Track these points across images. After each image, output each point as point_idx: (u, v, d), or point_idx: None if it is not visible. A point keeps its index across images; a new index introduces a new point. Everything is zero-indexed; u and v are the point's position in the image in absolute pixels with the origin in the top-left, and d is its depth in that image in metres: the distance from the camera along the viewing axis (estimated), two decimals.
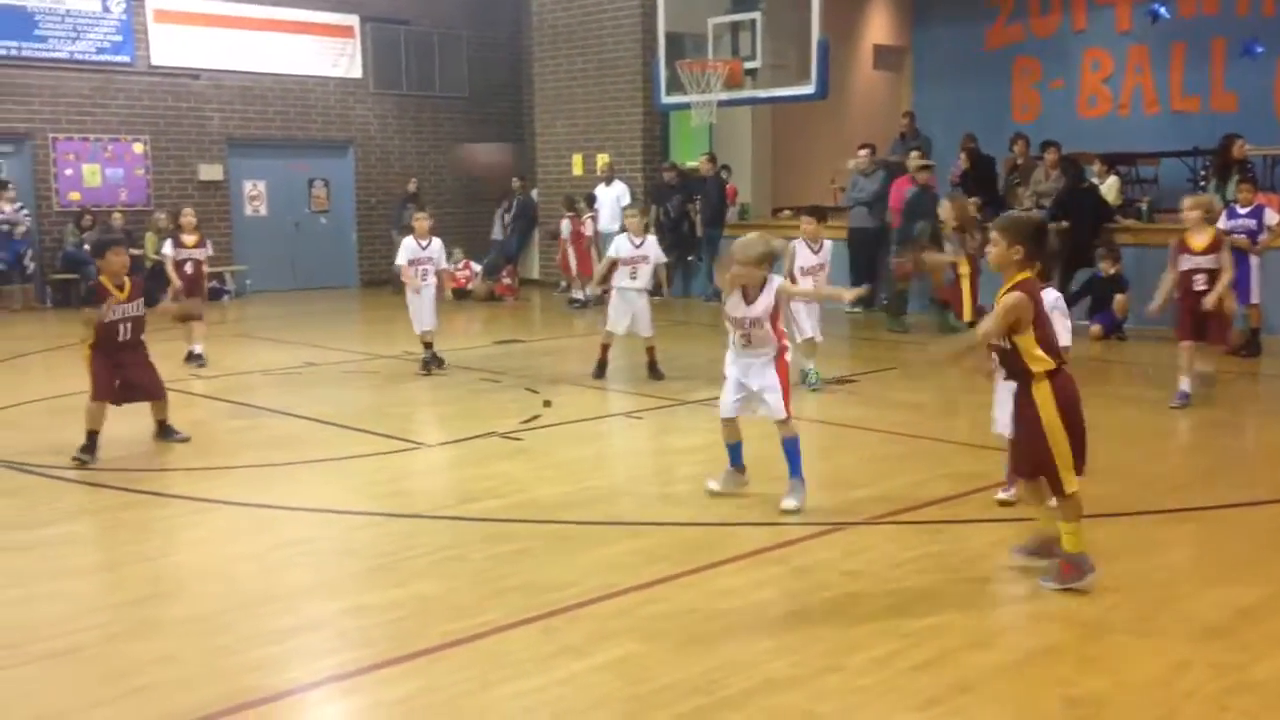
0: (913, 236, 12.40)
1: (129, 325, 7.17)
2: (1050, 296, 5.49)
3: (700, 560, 5.07)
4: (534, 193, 18.67)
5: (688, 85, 14.06)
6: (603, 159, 16.93)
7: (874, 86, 19.23)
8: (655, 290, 10.03)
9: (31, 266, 16.20)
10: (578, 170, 17.58)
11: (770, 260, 5.77)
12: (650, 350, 9.81)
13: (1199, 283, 8.17)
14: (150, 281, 8.32)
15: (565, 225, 16.88)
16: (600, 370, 9.83)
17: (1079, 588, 4.60)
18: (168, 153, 17.58)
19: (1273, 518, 5.79)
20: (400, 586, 4.83)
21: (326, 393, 9.50)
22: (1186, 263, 8.23)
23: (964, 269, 11.27)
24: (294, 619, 4.51)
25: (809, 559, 5.13)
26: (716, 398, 6.18)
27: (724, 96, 13.94)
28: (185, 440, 7.51)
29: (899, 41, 19.06)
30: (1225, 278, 8.14)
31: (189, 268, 10.84)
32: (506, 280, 17.19)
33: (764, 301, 5.73)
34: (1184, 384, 8.24)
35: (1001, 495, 5.86)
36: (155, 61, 17.32)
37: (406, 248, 10.30)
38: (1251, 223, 10.26)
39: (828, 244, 9.36)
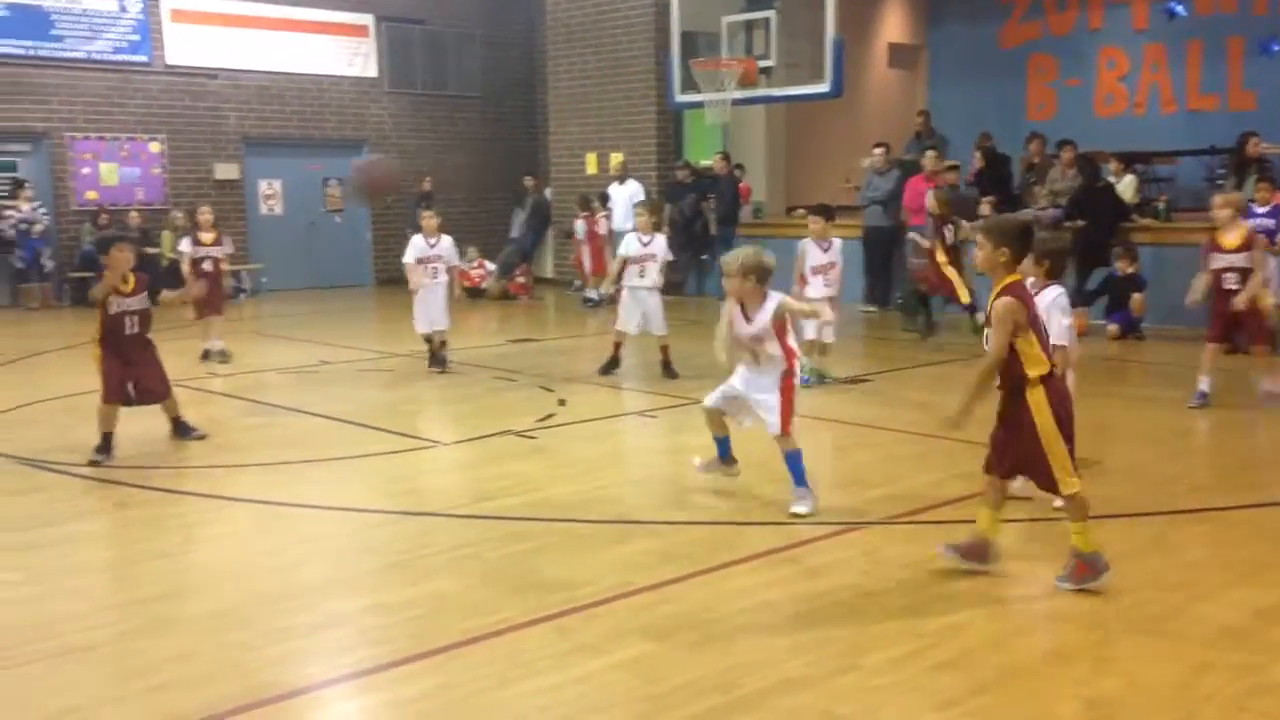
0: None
1: (135, 319, 7.20)
2: (1051, 294, 5.43)
3: (715, 560, 5.07)
4: (548, 191, 18.69)
5: (702, 84, 14.06)
6: (616, 158, 16.91)
7: (889, 85, 19.20)
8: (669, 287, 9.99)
9: (49, 265, 16.28)
10: (592, 169, 17.57)
11: (759, 273, 5.65)
12: (664, 349, 9.81)
13: (1230, 281, 8.07)
14: (161, 277, 8.35)
15: (579, 224, 16.88)
16: (609, 367, 9.83)
17: (1094, 587, 4.58)
18: (184, 152, 17.65)
19: None
20: (417, 584, 4.84)
21: (342, 391, 9.52)
22: (1218, 261, 8.13)
23: (941, 257, 11.25)
24: (311, 616, 4.52)
25: (824, 559, 5.12)
26: None
27: (738, 95, 13.94)
28: (202, 437, 7.54)
29: (914, 40, 19.04)
30: (1259, 275, 8.03)
31: (207, 265, 10.82)
32: (520, 279, 17.21)
33: (760, 320, 5.66)
34: (1203, 384, 8.18)
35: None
36: (171, 61, 17.40)
37: (414, 246, 10.29)
38: (1270, 222, 10.16)
39: (837, 242, 9.36)
